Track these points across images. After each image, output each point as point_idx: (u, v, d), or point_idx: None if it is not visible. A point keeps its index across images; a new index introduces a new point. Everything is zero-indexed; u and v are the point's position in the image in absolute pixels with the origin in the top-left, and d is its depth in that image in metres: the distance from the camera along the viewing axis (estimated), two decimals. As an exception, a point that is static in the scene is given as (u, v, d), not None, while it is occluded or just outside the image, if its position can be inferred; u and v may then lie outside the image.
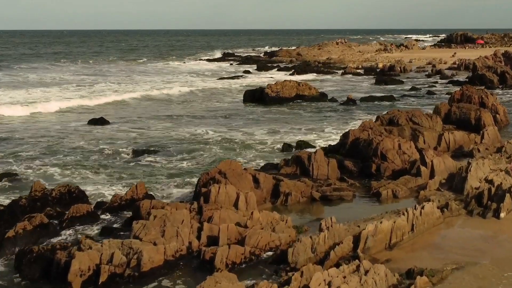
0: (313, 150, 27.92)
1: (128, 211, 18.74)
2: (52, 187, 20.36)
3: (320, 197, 20.63)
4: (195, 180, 22.52)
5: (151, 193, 20.45)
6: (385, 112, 31.86)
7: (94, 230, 17.54)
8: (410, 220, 17.02)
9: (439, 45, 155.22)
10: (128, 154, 27.91)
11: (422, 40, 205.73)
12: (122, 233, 16.86)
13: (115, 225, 17.91)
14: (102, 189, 22.11)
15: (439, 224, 17.81)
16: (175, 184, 22.77)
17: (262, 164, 25.00)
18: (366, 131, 26.28)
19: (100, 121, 38.66)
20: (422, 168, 22.39)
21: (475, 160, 21.98)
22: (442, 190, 21.24)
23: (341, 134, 27.16)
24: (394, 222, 16.56)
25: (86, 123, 38.28)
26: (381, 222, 16.30)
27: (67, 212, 18.30)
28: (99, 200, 20.35)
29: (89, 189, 21.57)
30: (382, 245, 15.97)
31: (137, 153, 27.86)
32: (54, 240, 16.63)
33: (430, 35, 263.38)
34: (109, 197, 20.41)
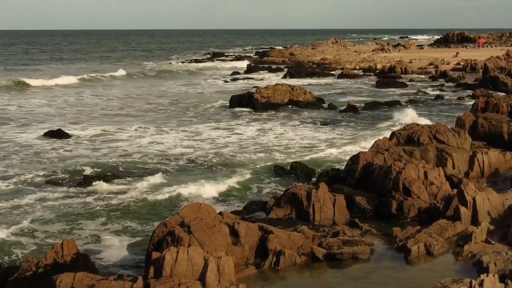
0: (311, 180, 22.23)
1: (47, 285, 12.68)
2: None
3: (325, 255, 14.71)
4: (153, 222, 16.85)
5: (85, 253, 14.36)
6: (401, 127, 25.87)
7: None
8: (466, 308, 11.21)
9: (437, 45, 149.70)
10: (73, 182, 21.72)
11: (417, 39, 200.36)
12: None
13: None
14: (23, 243, 15.97)
15: (502, 304, 12.04)
16: (124, 233, 16.69)
17: (244, 203, 18.84)
18: (381, 153, 20.32)
19: (57, 134, 32.51)
20: (462, 209, 16.45)
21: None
22: (492, 242, 15.40)
23: (349, 158, 21.17)
24: (445, 316, 10.77)
25: (41, 135, 32.23)
26: (425, 319, 10.48)
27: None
28: (10, 265, 14.28)
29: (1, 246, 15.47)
30: None
31: (85, 180, 21.60)
32: None
33: (425, 35, 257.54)
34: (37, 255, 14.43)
